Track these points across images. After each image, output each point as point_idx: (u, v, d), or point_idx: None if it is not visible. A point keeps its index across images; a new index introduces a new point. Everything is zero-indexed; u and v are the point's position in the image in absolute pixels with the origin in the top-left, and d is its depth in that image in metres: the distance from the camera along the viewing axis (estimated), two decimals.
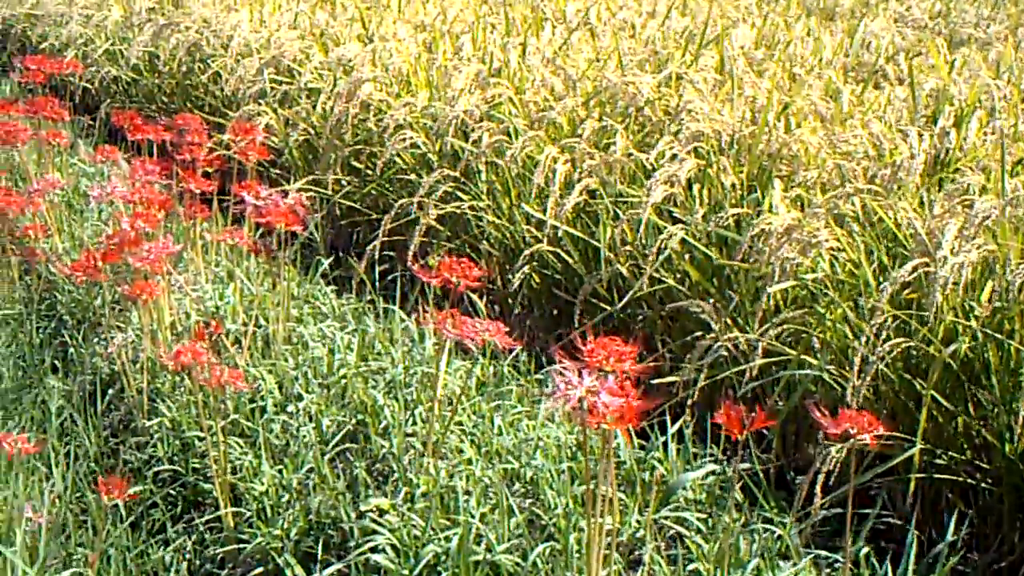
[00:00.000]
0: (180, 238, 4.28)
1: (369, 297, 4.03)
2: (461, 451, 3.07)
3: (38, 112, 5.25)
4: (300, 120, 5.13)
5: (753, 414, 2.43)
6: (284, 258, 3.76)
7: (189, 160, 4.43)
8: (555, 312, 4.16)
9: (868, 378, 2.89)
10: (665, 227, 3.56)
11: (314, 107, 5.12)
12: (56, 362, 4.10)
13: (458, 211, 4.27)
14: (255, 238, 4.05)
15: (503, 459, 3.06)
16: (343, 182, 4.85)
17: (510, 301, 4.20)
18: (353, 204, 4.85)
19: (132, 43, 6.66)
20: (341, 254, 4.66)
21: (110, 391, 3.77)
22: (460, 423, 3.21)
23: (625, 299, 3.60)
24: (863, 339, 2.94)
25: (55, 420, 3.66)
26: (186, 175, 4.28)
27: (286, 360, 3.60)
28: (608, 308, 3.74)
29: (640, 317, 3.80)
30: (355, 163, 4.91)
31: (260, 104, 5.28)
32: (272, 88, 5.37)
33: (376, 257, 4.26)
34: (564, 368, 2.39)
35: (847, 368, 3.07)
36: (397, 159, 4.64)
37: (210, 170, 4.44)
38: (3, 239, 4.71)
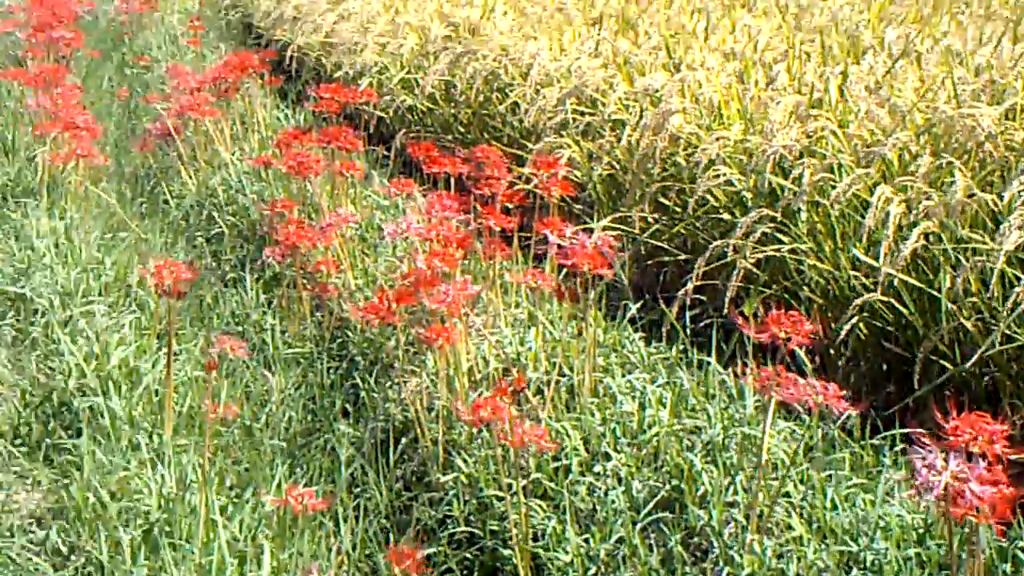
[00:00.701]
0: (478, 278, 4.04)
1: (681, 346, 3.72)
2: (789, 527, 2.76)
3: (332, 142, 5.11)
4: (604, 153, 4.86)
5: None
6: (590, 301, 3.47)
7: (488, 195, 4.20)
8: (883, 367, 3.78)
9: None
10: (1018, 276, 3.17)
11: (619, 140, 4.84)
12: (347, 406, 3.90)
13: (776, 254, 3.92)
14: (558, 280, 3.77)
15: (838, 539, 2.72)
16: (649, 219, 4.55)
17: (832, 352, 3.83)
18: (659, 244, 4.53)
19: (427, 71, 6.52)
20: (647, 296, 4.35)
21: (403, 440, 3.54)
22: (787, 494, 2.88)
23: (974, 358, 3.21)
24: None
25: (344, 471, 3.45)
26: (485, 211, 4.06)
27: (592, 415, 3.31)
28: (948, 365, 3.36)
29: (985, 376, 3.40)
30: (662, 200, 4.60)
31: (561, 136, 5.03)
32: (574, 119, 5.11)
33: (687, 302, 3.94)
34: (924, 448, 2.11)
35: None
36: (708, 196, 4.31)
37: (510, 206, 4.20)
38: (295, 274, 4.56)
